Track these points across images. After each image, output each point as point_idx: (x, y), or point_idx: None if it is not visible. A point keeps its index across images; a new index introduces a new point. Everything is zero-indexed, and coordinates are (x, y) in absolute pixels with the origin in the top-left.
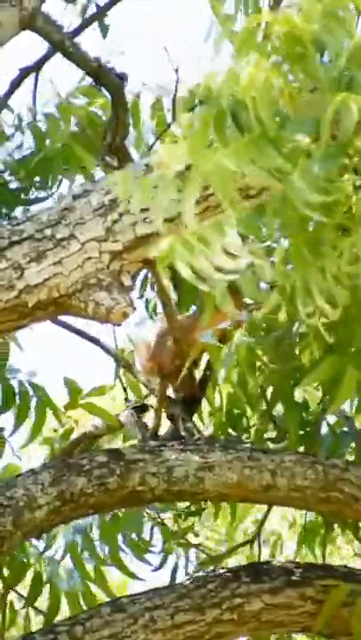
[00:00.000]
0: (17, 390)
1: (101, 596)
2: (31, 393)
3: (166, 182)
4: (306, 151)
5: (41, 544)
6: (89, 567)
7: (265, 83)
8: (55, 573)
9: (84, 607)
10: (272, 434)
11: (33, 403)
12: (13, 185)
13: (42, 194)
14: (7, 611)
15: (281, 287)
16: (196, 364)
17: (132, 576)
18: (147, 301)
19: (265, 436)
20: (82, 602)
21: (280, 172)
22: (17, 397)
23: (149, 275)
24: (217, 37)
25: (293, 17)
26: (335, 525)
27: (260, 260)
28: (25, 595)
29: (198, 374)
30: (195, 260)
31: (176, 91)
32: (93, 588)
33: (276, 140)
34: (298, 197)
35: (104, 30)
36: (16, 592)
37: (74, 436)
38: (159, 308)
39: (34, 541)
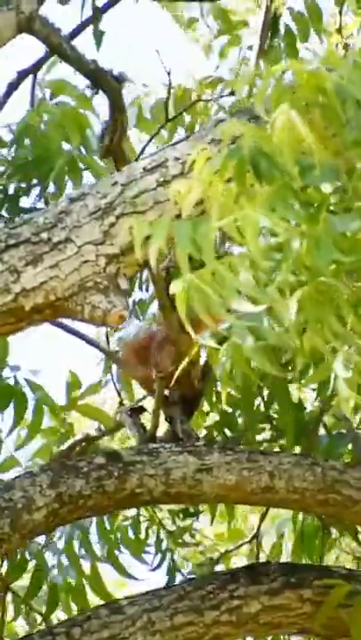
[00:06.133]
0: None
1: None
2: (29, 392)
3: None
4: (328, 204)
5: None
6: (85, 565)
7: (289, 127)
8: (56, 567)
9: (73, 604)
10: (268, 435)
11: (31, 402)
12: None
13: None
14: (8, 608)
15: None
16: (193, 364)
17: (128, 575)
18: (134, 302)
19: (262, 437)
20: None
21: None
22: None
23: (137, 275)
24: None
25: (317, 67)
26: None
27: (279, 304)
28: (21, 595)
29: (197, 374)
30: (210, 303)
31: (169, 94)
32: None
33: (298, 191)
34: (323, 256)
35: (98, 38)
36: (12, 591)
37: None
38: (150, 310)
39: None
